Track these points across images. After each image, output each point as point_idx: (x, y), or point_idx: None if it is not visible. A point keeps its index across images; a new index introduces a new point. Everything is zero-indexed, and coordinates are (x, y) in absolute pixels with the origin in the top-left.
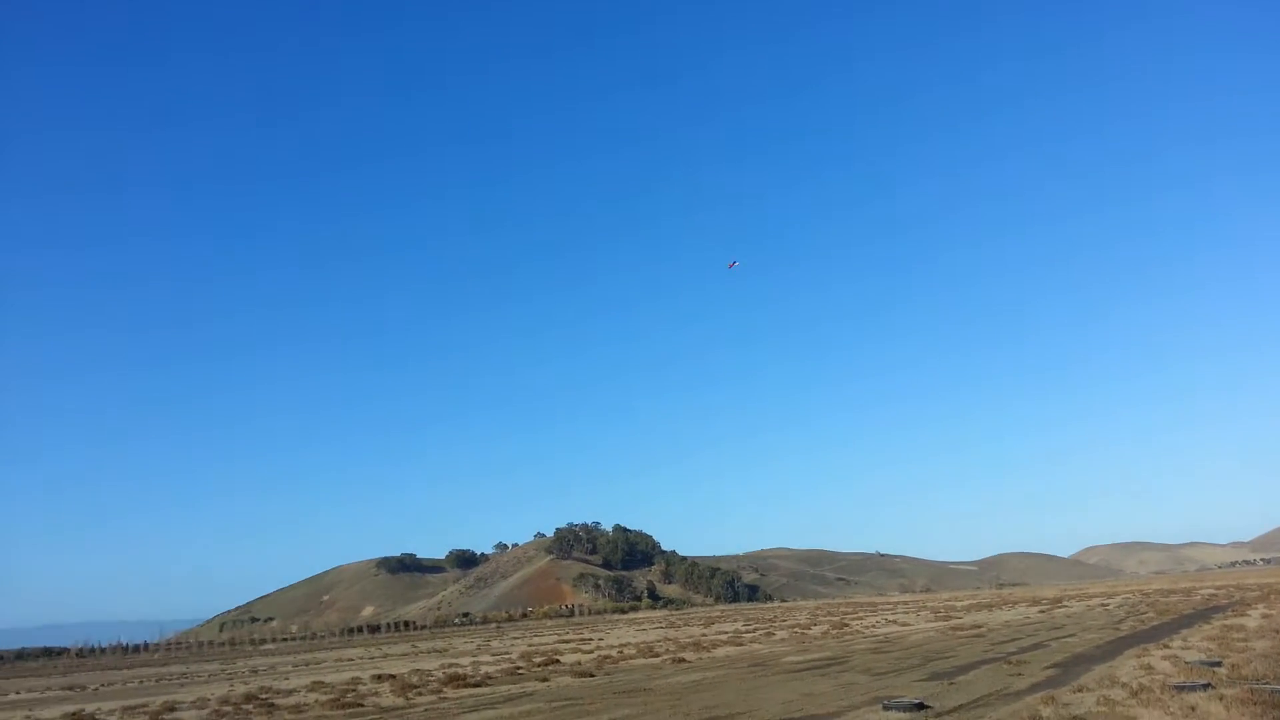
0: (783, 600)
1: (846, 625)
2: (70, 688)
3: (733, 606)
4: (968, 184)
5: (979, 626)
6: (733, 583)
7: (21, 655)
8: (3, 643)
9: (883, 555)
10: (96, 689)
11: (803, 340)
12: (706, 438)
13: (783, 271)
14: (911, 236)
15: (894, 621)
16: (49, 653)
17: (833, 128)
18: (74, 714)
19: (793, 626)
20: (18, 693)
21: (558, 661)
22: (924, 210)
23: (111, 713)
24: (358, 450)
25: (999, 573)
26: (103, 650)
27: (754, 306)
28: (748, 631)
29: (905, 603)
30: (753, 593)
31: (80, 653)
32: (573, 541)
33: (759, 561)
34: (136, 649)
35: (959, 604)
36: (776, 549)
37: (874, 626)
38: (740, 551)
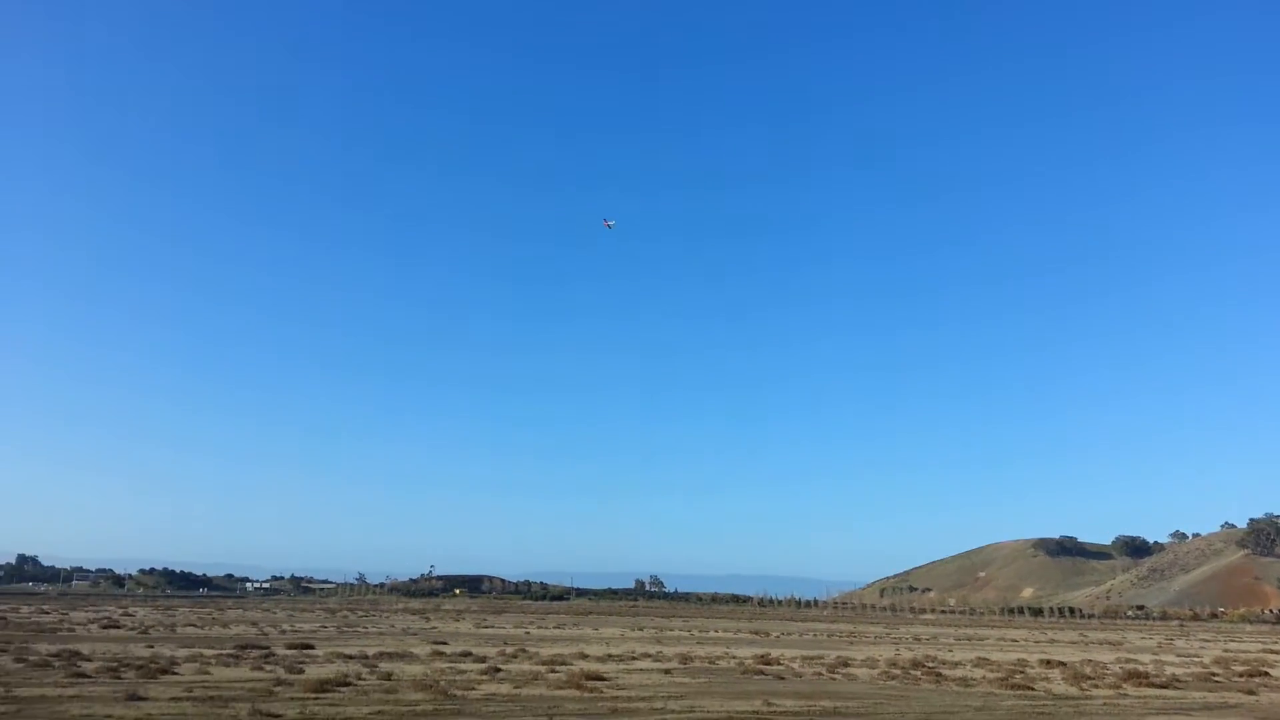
0: None
1: None
2: (755, 632)
3: None
4: None
5: None
6: None
7: (715, 599)
8: (702, 586)
9: None
10: (777, 636)
11: None
12: None
13: None
14: None
15: None
16: (736, 599)
17: None
18: (762, 656)
19: None
20: (716, 631)
21: (1267, 674)
22: None
23: (793, 660)
24: (1009, 427)
25: None
26: (779, 602)
27: None
28: None
29: None
30: None
31: (761, 602)
32: (1274, 535)
33: None
34: (806, 604)
35: None
36: None
37: None
38: None
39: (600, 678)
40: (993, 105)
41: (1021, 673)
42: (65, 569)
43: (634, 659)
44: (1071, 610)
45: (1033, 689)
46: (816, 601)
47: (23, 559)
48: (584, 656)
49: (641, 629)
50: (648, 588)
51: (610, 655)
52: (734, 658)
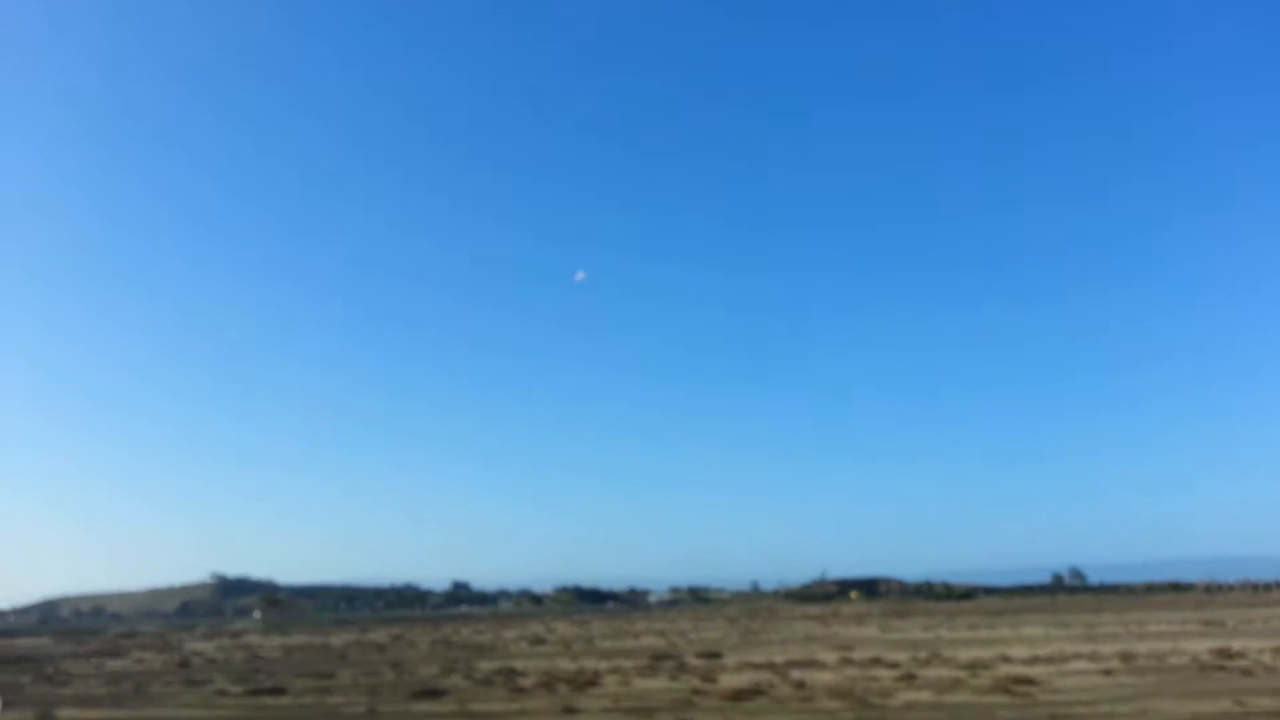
0: None
1: None
2: (1206, 623)
3: None
4: None
5: None
6: None
7: (1150, 589)
8: (1130, 576)
9: None
10: (1234, 626)
11: None
12: None
13: None
14: None
15: None
16: (1174, 587)
17: None
18: (1220, 649)
19: None
20: (1157, 624)
21: None
22: None
23: (1260, 652)
24: None
25: None
26: (1229, 586)
27: None
28: None
29: None
30: None
31: (1207, 588)
32: None
33: None
34: (1265, 587)
35: None
36: None
37: None
38: None
39: (1030, 681)
40: None
41: None
42: (491, 592)
43: (1065, 660)
44: None
45: None
46: (1277, 584)
47: (456, 585)
48: (1007, 659)
49: (1067, 626)
50: (1066, 582)
51: (1037, 657)
52: (1184, 653)
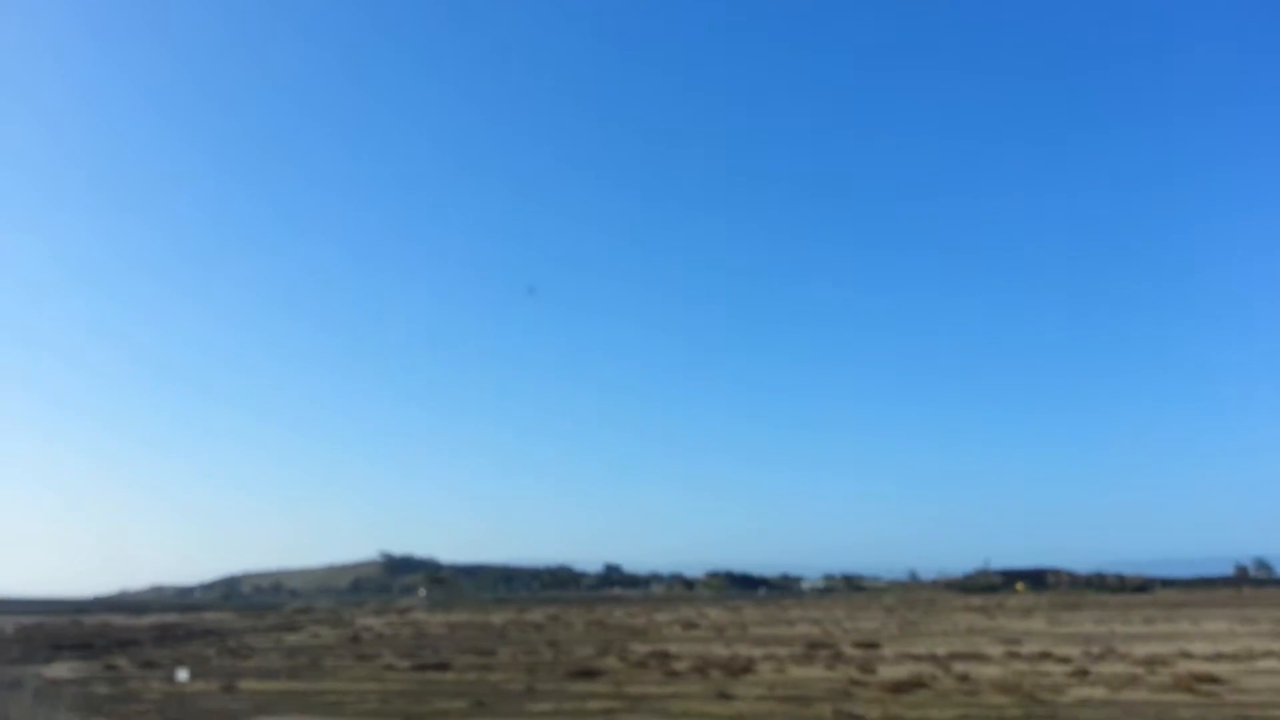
0: None
1: None
2: None
3: None
4: None
5: None
6: None
7: None
8: None
9: None
10: None
11: None
12: None
13: None
14: None
15: None
16: None
17: None
18: None
19: None
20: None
21: None
22: None
23: None
24: None
25: None
26: None
27: None
28: None
29: None
30: None
31: None
32: None
33: None
34: None
35: None
36: None
37: None
38: None
39: (1214, 679)
40: None
41: None
42: (643, 575)
43: (1253, 657)
44: None
45: None
46: None
47: (609, 567)
48: (1188, 655)
49: (1253, 622)
50: (1250, 574)
51: (1221, 654)
52: None
